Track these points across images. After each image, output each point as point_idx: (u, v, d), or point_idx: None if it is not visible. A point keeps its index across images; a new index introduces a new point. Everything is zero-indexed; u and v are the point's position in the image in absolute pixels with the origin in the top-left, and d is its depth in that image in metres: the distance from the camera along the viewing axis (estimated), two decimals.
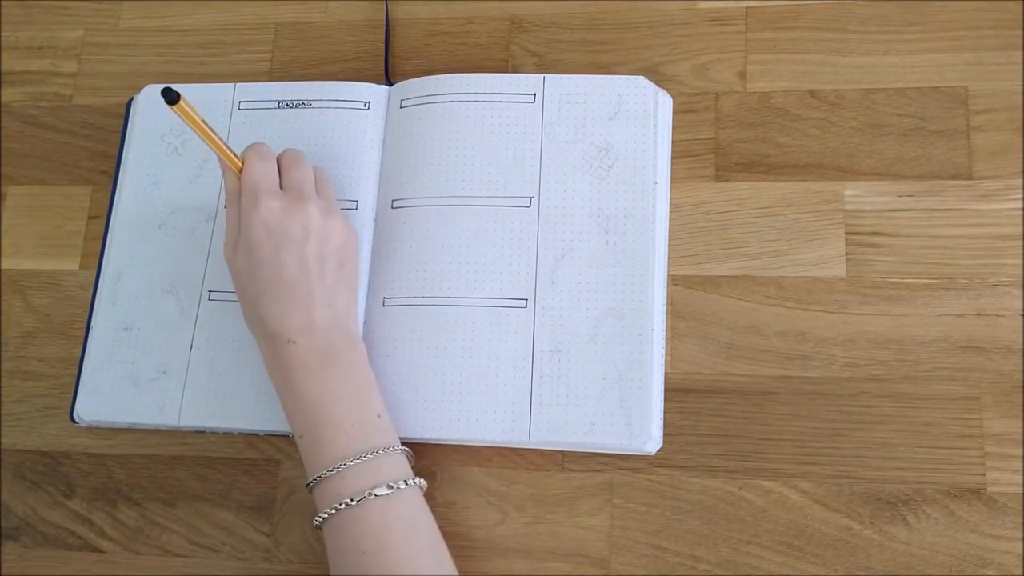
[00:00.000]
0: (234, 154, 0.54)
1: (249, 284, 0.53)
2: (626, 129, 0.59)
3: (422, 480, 0.51)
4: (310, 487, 0.51)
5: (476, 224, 0.58)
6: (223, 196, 0.62)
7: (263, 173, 0.54)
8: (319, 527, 0.50)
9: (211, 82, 0.65)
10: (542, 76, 0.60)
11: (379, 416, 0.52)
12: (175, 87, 0.47)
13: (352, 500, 0.48)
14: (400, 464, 0.51)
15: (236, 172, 0.54)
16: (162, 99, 0.47)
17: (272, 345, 0.52)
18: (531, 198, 0.58)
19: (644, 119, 0.59)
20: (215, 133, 0.52)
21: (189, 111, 0.49)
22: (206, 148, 0.63)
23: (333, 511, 0.49)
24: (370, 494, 0.48)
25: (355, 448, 0.50)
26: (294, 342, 0.51)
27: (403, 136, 0.61)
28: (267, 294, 0.52)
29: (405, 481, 0.50)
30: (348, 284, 0.55)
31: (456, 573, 0.50)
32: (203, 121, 0.51)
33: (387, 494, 0.49)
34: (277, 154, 0.56)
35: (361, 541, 0.48)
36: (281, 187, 0.54)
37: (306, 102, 0.62)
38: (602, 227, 0.57)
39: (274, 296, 0.52)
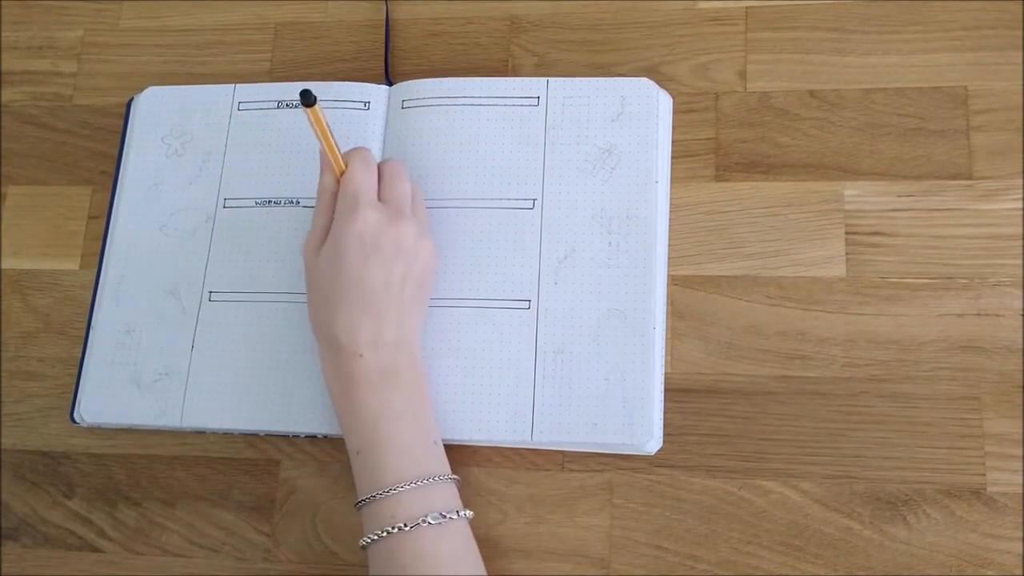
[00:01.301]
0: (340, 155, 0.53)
1: (328, 288, 0.52)
2: (629, 130, 0.59)
3: (470, 512, 0.51)
4: (359, 506, 0.50)
5: (480, 226, 0.58)
6: (222, 197, 0.62)
7: (365, 181, 0.53)
8: (364, 548, 0.49)
9: (211, 82, 0.65)
10: (545, 79, 0.60)
11: (435, 443, 0.52)
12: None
13: (405, 526, 0.48)
14: (452, 494, 0.51)
15: (335, 173, 0.54)
16: (299, 100, 0.48)
17: (337, 354, 0.52)
18: (534, 200, 0.58)
19: (647, 120, 0.59)
20: (331, 133, 0.52)
21: (320, 115, 0.50)
22: (206, 149, 0.63)
23: (384, 534, 0.48)
24: (423, 521, 0.48)
25: (410, 472, 0.49)
26: (361, 355, 0.51)
27: (405, 138, 0.61)
28: (345, 303, 0.51)
29: (456, 512, 0.49)
30: (421, 308, 0.55)
31: None
32: (327, 124, 0.51)
33: (439, 523, 0.48)
34: (379, 162, 0.55)
35: (410, 568, 0.47)
36: (380, 198, 0.53)
37: None
38: (605, 228, 0.57)
39: (351, 306, 0.51)
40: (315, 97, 0.48)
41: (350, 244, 0.51)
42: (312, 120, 0.50)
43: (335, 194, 0.54)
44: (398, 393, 0.51)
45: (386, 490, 0.49)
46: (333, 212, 0.54)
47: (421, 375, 0.53)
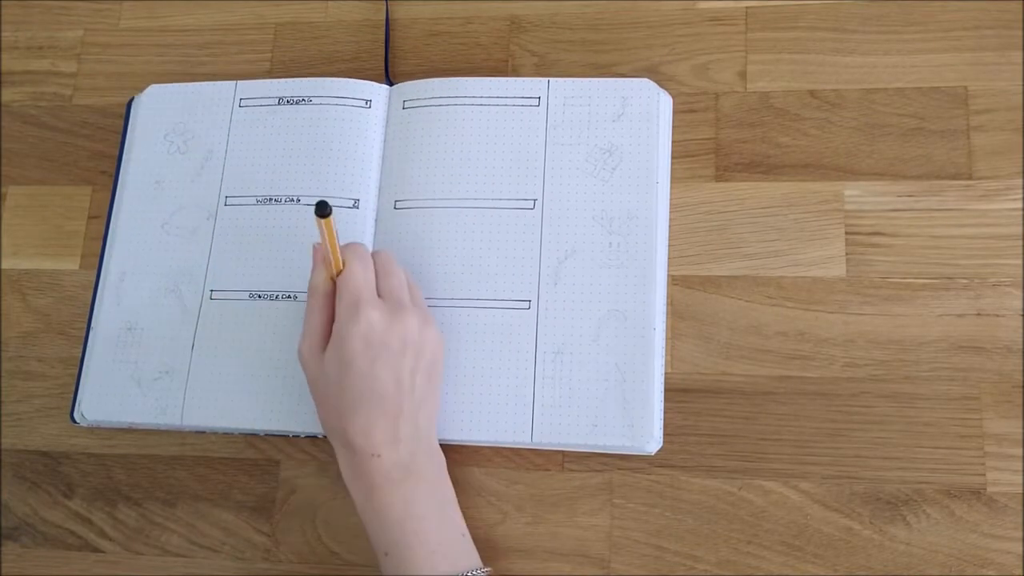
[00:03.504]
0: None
1: (337, 393, 0.51)
2: (630, 130, 0.59)
3: None
4: None
5: (480, 226, 0.58)
6: (223, 194, 0.62)
7: (364, 280, 0.51)
8: None
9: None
10: (546, 80, 0.60)
11: (463, 535, 0.51)
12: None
13: None
14: None
15: (331, 271, 0.52)
16: (315, 212, 0.48)
17: (354, 457, 0.51)
18: (535, 200, 0.58)
19: (648, 120, 0.59)
20: (337, 235, 0.51)
21: (332, 224, 0.49)
22: (208, 146, 0.63)
23: None
24: None
25: (442, 570, 0.48)
26: (379, 456, 0.50)
27: (406, 137, 0.61)
28: (357, 406, 0.50)
29: None
30: (434, 396, 0.54)
31: None
32: (336, 231, 0.50)
33: None
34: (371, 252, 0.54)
35: None
36: (377, 292, 0.52)
37: (306, 99, 0.62)
38: (606, 228, 0.57)
39: (364, 409, 0.50)
40: (331, 209, 0.48)
41: (356, 347, 0.50)
42: (324, 229, 0.49)
43: (329, 294, 0.52)
44: (421, 488, 0.50)
45: None
46: (328, 313, 0.52)
47: (441, 464, 0.53)
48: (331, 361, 0.51)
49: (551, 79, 0.60)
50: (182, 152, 0.63)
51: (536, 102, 0.60)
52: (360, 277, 0.51)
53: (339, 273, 0.52)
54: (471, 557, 0.51)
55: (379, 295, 0.52)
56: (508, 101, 0.61)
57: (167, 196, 0.62)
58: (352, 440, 0.50)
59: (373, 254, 0.54)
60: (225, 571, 0.57)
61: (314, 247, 0.53)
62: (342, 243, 0.52)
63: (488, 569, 0.51)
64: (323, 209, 0.48)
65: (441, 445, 0.55)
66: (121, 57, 0.69)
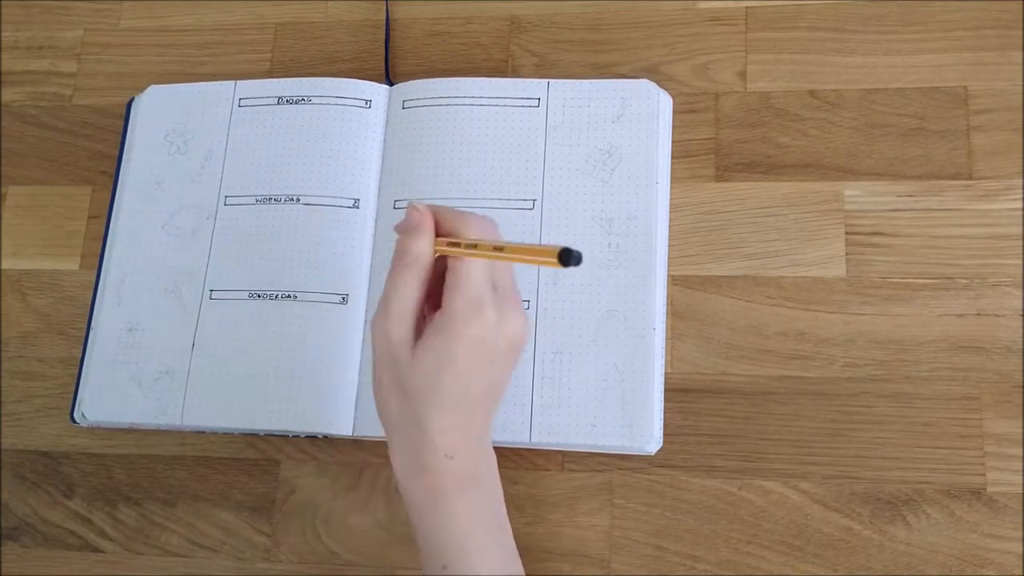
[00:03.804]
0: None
1: (426, 389, 0.45)
2: (630, 131, 0.59)
3: None
4: None
5: None
6: (223, 194, 0.62)
7: (486, 271, 0.45)
8: None
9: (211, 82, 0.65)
10: (546, 81, 0.60)
11: (514, 552, 0.49)
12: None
13: None
14: None
15: (432, 236, 0.46)
16: (560, 262, 0.40)
17: (421, 454, 0.45)
18: (534, 201, 0.58)
19: (648, 121, 0.59)
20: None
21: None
22: (207, 146, 0.63)
23: None
24: None
25: None
26: (452, 458, 0.45)
27: (406, 137, 0.61)
28: (446, 404, 0.45)
29: None
30: (503, 395, 0.49)
31: None
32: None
33: None
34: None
35: None
36: None
37: (306, 98, 0.62)
38: (605, 229, 0.57)
39: (452, 408, 0.45)
40: (580, 256, 0.40)
41: (467, 347, 0.44)
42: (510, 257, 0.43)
43: (427, 266, 0.46)
44: (482, 499, 0.47)
45: None
46: (420, 283, 0.46)
47: (495, 463, 0.49)
48: (431, 350, 0.45)
49: (551, 80, 0.60)
50: (182, 152, 0.63)
51: (536, 103, 0.60)
52: (484, 271, 0.45)
53: (450, 243, 0.45)
54: (518, 564, 0.48)
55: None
56: (508, 102, 0.61)
57: (167, 196, 0.62)
58: (429, 436, 0.45)
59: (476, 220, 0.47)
60: (225, 571, 0.57)
61: (411, 206, 0.46)
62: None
63: None
64: (571, 258, 0.40)
65: None
66: (121, 57, 0.69)
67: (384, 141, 0.62)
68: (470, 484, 0.46)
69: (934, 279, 0.55)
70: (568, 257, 0.39)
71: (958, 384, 0.53)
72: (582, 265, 0.50)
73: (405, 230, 0.46)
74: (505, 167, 0.59)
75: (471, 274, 0.45)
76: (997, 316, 0.54)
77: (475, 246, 0.44)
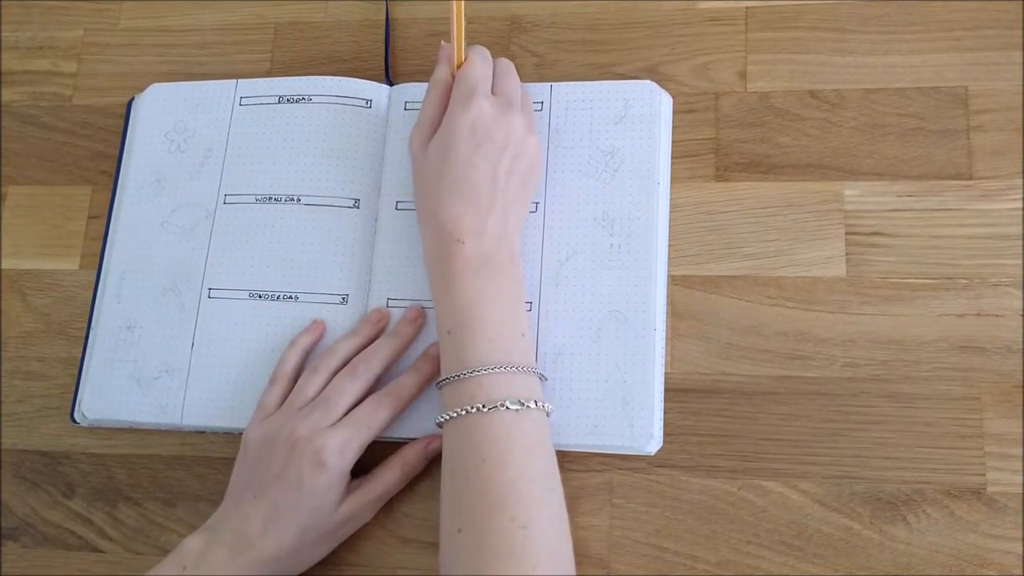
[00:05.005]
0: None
1: (435, 177, 0.54)
2: (631, 132, 0.59)
3: (550, 406, 0.51)
4: (441, 384, 0.51)
5: None
6: (223, 193, 0.62)
7: (483, 73, 0.55)
8: (440, 425, 0.51)
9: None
10: (549, 84, 0.61)
11: (523, 335, 0.52)
12: None
13: (484, 407, 0.49)
14: (533, 385, 0.51)
15: (453, 66, 0.56)
16: None
17: (440, 241, 0.53)
18: (537, 203, 0.58)
19: (649, 122, 0.59)
20: (463, 25, 0.55)
21: (462, 9, 0.54)
22: (208, 145, 0.63)
23: (463, 412, 0.49)
24: (502, 405, 0.49)
25: (496, 358, 0.50)
26: (462, 242, 0.52)
27: (407, 138, 0.61)
28: (451, 191, 0.53)
29: (535, 401, 0.50)
30: (523, 204, 0.56)
31: (563, 500, 0.49)
32: (463, 22, 0.55)
33: (517, 409, 0.49)
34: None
35: (483, 449, 0.48)
36: (493, 92, 0.55)
37: (307, 97, 0.62)
38: (607, 230, 0.57)
39: (457, 195, 0.53)
40: None
41: (462, 133, 0.53)
42: (454, 13, 0.54)
43: (448, 87, 0.56)
44: (494, 282, 0.52)
45: (470, 371, 0.50)
46: (443, 105, 0.55)
47: (518, 270, 0.54)
48: (436, 146, 0.54)
49: (553, 84, 0.61)
50: (182, 151, 0.63)
51: (539, 107, 0.60)
52: (479, 70, 0.55)
53: (459, 67, 0.56)
54: (525, 356, 0.52)
55: (494, 93, 0.55)
56: None
57: (167, 194, 0.62)
58: (442, 223, 0.53)
59: (495, 59, 0.57)
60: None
61: (442, 45, 0.57)
62: None
63: (540, 373, 0.53)
64: None
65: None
66: (121, 57, 0.69)
67: (385, 141, 0.62)
68: (482, 270, 0.52)
69: (934, 279, 0.55)
70: None
71: (958, 384, 0.53)
72: (583, 266, 0.55)
73: (437, 61, 0.57)
74: None
75: (464, 74, 0.55)
76: (997, 316, 0.54)
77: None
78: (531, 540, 0.46)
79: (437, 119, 0.55)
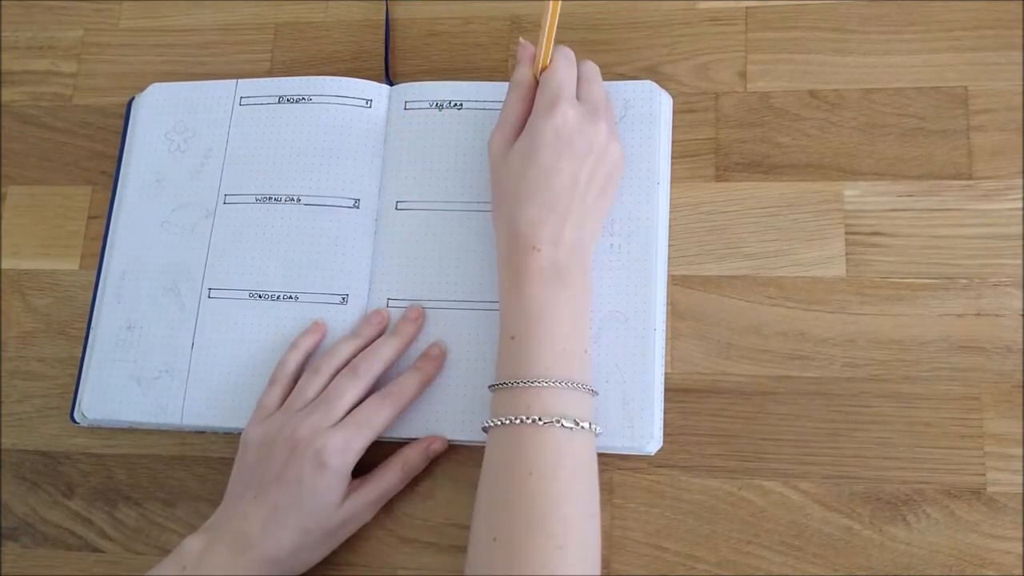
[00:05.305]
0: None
1: (516, 181, 0.53)
2: (632, 133, 0.59)
3: (600, 428, 0.51)
4: (495, 388, 0.51)
5: (482, 229, 0.58)
6: (223, 192, 0.62)
7: (568, 78, 0.54)
8: (486, 429, 0.50)
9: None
10: None
11: (586, 351, 0.52)
12: None
13: (539, 419, 0.48)
14: (588, 405, 0.50)
15: (535, 67, 0.55)
16: None
17: (515, 246, 0.52)
18: None
19: (649, 122, 0.59)
20: (555, 26, 0.54)
21: (557, 10, 0.53)
22: (208, 144, 0.63)
23: (516, 421, 0.48)
24: (557, 422, 0.48)
25: (557, 372, 0.49)
26: (538, 250, 0.51)
27: (408, 139, 0.61)
28: (532, 196, 0.52)
29: (588, 423, 0.49)
30: (601, 212, 0.55)
31: (599, 527, 0.49)
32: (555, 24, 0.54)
33: (571, 428, 0.48)
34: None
35: (531, 462, 0.47)
36: (577, 97, 0.55)
37: (307, 97, 0.62)
38: (607, 230, 0.57)
39: (537, 201, 0.52)
40: None
41: (546, 139, 0.52)
42: (549, 13, 0.53)
43: (530, 88, 0.55)
44: (565, 293, 0.51)
45: (530, 381, 0.49)
46: (524, 106, 0.55)
47: (589, 282, 0.54)
48: (519, 150, 0.53)
49: None
50: (182, 150, 0.63)
51: None
52: (563, 75, 0.54)
53: (544, 70, 0.55)
54: (585, 373, 0.51)
55: (579, 98, 0.55)
56: None
57: (167, 194, 0.62)
58: (518, 228, 0.52)
59: (579, 62, 0.56)
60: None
61: (521, 44, 0.56)
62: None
63: (596, 391, 0.52)
64: None
65: None
66: (121, 57, 0.69)
67: (385, 141, 0.62)
68: (556, 278, 0.51)
69: (934, 279, 0.55)
70: None
71: (958, 384, 0.53)
72: None
73: (517, 61, 0.56)
74: None
75: (549, 79, 0.54)
76: (997, 316, 0.54)
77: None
78: (566, 562, 0.46)
79: (520, 120, 0.55)
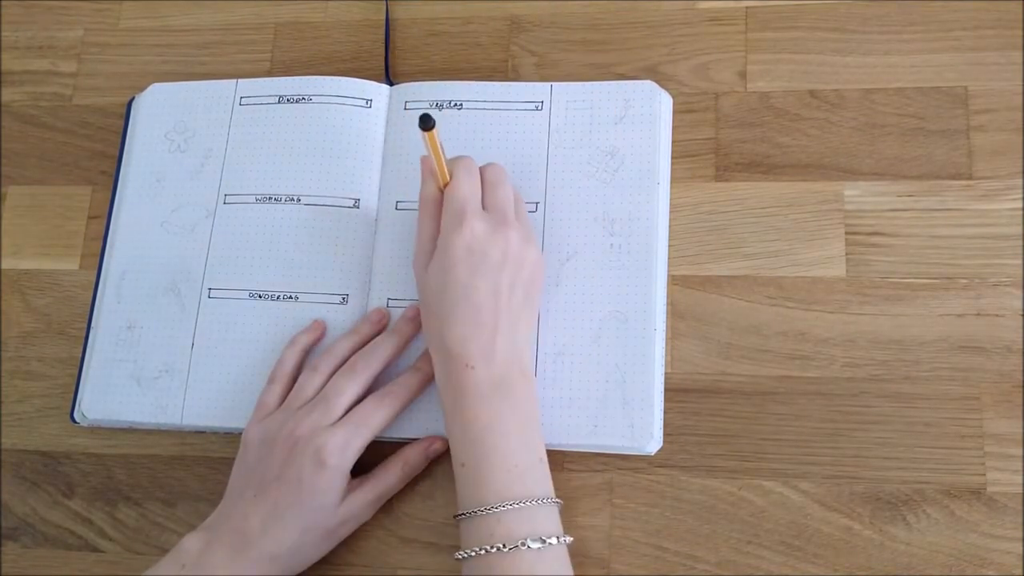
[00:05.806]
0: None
1: (438, 301, 0.52)
2: (632, 132, 0.59)
3: (570, 538, 0.49)
4: (459, 519, 0.49)
5: None
6: (223, 192, 0.62)
7: (471, 191, 0.53)
8: (460, 561, 0.49)
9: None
10: (549, 84, 0.61)
11: (541, 460, 0.51)
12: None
13: (504, 546, 0.47)
14: (553, 517, 0.49)
15: (439, 183, 0.54)
16: (418, 125, 0.50)
17: (449, 366, 0.51)
18: (537, 203, 0.58)
19: (649, 122, 0.59)
20: (443, 150, 0.53)
21: (436, 137, 0.51)
22: (208, 144, 0.63)
23: (483, 552, 0.47)
24: (523, 544, 0.47)
25: (515, 492, 0.48)
26: (472, 367, 0.50)
27: (408, 138, 0.61)
28: (455, 315, 0.51)
29: (557, 538, 0.48)
30: (531, 316, 0.54)
31: None
32: (440, 143, 0.52)
33: (539, 548, 0.47)
34: (480, 166, 0.56)
35: None
36: (483, 205, 0.54)
37: (307, 97, 0.62)
38: (607, 230, 0.57)
39: (461, 318, 0.51)
40: (434, 122, 0.50)
41: (458, 256, 0.52)
42: (428, 143, 0.51)
43: (437, 203, 0.54)
44: (507, 405, 0.50)
45: (488, 507, 0.48)
46: (437, 221, 0.54)
47: (532, 387, 0.53)
48: (434, 270, 0.53)
49: (554, 84, 0.60)
50: (182, 150, 0.63)
51: (539, 106, 0.60)
52: (466, 189, 0.53)
53: (446, 185, 0.54)
54: (544, 485, 0.50)
55: (485, 207, 0.54)
56: (511, 105, 0.61)
57: (167, 194, 0.62)
58: (450, 348, 0.51)
59: (482, 168, 0.55)
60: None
61: (422, 159, 0.55)
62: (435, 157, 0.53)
63: (558, 501, 0.50)
64: (426, 123, 0.49)
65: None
66: (121, 57, 0.69)
67: (385, 141, 0.62)
68: (495, 393, 0.50)
69: (934, 279, 0.55)
70: (425, 121, 0.49)
71: (958, 384, 0.54)
72: (583, 266, 0.55)
73: (421, 178, 0.55)
74: (508, 170, 0.59)
75: (452, 195, 0.53)
76: (997, 316, 0.54)
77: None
78: None
79: (433, 239, 0.54)
